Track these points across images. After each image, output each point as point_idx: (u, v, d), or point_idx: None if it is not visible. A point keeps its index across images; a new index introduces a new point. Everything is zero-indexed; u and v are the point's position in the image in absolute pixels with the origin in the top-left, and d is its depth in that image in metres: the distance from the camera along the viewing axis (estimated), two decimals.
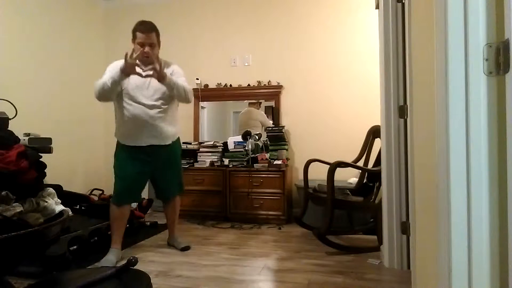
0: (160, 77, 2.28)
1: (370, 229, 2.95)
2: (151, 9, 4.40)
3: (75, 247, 2.44)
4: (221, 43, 4.20)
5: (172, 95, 2.43)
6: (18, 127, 1.87)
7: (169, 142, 2.53)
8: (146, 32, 2.35)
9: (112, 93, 2.35)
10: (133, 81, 2.38)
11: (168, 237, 2.82)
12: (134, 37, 2.39)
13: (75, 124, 4.08)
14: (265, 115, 4.12)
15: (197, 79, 4.14)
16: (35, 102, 3.54)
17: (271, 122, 4.05)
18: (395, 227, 2.22)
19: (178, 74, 2.51)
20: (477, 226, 0.98)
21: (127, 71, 2.24)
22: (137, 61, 2.33)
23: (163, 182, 2.66)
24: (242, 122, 4.19)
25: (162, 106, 2.44)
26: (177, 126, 2.62)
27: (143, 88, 2.40)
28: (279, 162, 3.55)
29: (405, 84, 2.05)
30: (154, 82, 2.37)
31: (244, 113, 4.21)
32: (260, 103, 4.16)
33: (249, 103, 4.18)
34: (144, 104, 2.38)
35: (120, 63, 2.30)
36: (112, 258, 2.35)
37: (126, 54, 2.21)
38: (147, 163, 2.48)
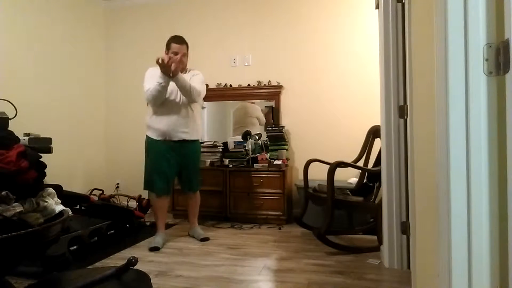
0: (175, 71, 2.65)
1: (370, 229, 2.95)
2: (151, 9, 4.41)
3: (75, 247, 2.44)
4: (221, 43, 4.20)
5: (179, 89, 2.76)
6: (18, 127, 1.87)
7: (195, 138, 2.91)
8: (179, 43, 2.81)
9: (163, 95, 2.74)
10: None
11: (190, 228, 3.11)
12: (168, 48, 2.82)
13: (75, 124, 4.08)
14: (260, 109, 4.11)
15: None
16: (35, 102, 3.54)
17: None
18: (395, 227, 2.22)
19: (195, 76, 2.92)
20: (477, 226, 0.98)
21: (164, 70, 2.61)
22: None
23: (190, 174, 2.99)
24: (237, 119, 4.18)
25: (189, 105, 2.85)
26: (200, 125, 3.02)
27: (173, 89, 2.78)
28: (279, 162, 3.55)
29: (405, 84, 2.05)
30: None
31: (239, 109, 4.19)
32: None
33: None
34: (177, 103, 2.80)
35: (156, 70, 2.67)
36: (159, 240, 2.78)
37: (158, 59, 2.57)
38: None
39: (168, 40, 2.86)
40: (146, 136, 2.89)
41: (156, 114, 2.80)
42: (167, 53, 2.78)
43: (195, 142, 2.93)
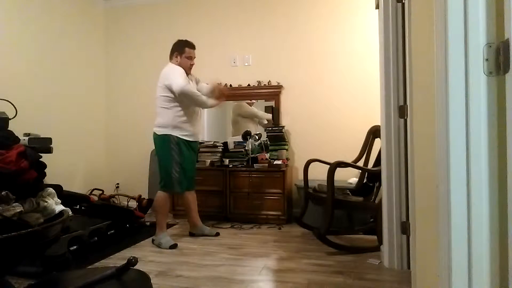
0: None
1: (370, 229, 2.95)
2: (151, 9, 4.40)
3: (75, 247, 2.44)
4: (221, 43, 4.19)
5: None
6: (18, 127, 1.87)
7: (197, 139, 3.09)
8: (193, 48, 2.97)
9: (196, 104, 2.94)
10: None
11: (193, 227, 3.10)
12: (181, 52, 2.92)
13: (75, 124, 4.08)
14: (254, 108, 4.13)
15: None
16: (35, 102, 3.54)
17: (269, 115, 4.05)
18: (395, 227, 2.22)
19: (203, 85, 3.12)
20: (477, 226, 0.98)
21: (216, 96, 3.01)
22: (185, 70, 2.90)
23: (194, 172, 3.09)
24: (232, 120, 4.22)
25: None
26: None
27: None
28: (279, 162, 3.55)
29: (405, 84, 2.05)
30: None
31: (233, 110, 4.22)
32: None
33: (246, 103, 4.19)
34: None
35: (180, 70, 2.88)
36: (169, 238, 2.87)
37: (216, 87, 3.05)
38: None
39: (181, 44, 2.95)
40: (170, 135, 2.81)
41: (186, 116, 2.87)
42: (177, 56, 2.91)
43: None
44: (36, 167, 1.71)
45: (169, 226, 3.41)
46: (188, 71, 2.94)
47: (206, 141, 3.95)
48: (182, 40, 2.99)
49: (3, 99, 1.92)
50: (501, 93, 0.93)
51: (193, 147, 2.97)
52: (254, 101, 4.14)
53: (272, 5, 4.04)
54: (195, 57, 2.99)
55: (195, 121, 2.95)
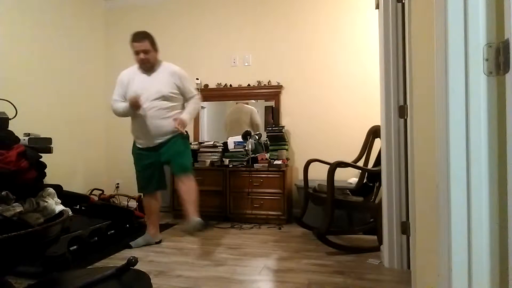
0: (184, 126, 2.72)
1: (370, 229, 2.95)
2: (151, 9, 4.40)
3: (75, 247, 2.44)
4: (221, 43, 4.20)
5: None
6: (18, 127, 1.87)
7: (169, 136, 2.74)
8: (138, 41, 2.66)
9: (126, 116, 2.80)
10: (134, 88, 2.71)
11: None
12: (132, 48, 2.69)
13: (75, 124, 4.08)
14: (256, 111, 4.12)
15: (197, 79, 4.14)
16: (35, 102, 3.54)
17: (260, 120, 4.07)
18: (395, 227, 2.22)
19: (186, 81, 2.81)
20: (477, 226, 0.98)
21: (135, 107, 2.66)
22: (139, 65, 2.73)
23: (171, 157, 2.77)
24: (230, 123, 4.21)
25: (164, 105, 2.71)
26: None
27: (143, 91, 2.69)
28: (279, 162, 3.55)
29: (405, 84, 2.05)
30: (155, 84, 2.70)
31: (232, 113, 4.22)
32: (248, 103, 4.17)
33: (236, 102, 4.20)
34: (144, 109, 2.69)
35: (126, 75, 2.77)
36: (140, 241, 2.78)
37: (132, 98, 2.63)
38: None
39: (130, 39, 2.70)
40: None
41: (134, 125, 2.82)
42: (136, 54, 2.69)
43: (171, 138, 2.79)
44: (36, 167, 1.71)
45: (169, 226, 3.42)
46: (143, 67, 2.70)
47: (206, 141, 3.95)
48: (132, 33, 2.72)
49: (3, 99, 1.92)
50: (501, 93, 0.93)
51: (149, 150, 2.76)
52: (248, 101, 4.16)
53: (272, 5, 4.04)
54: (145, 49, 2.64)
55: (144, 128, 2.69)
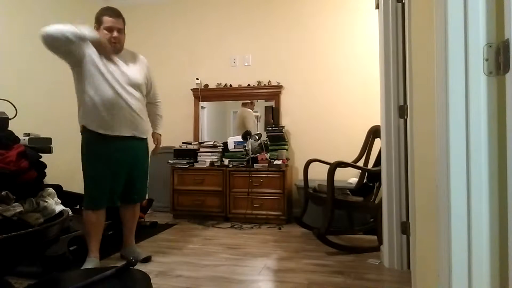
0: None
1: (370, 229, 2.95)
2: (151, 9, 4.40)
3: (75, 247, 2.43)
4: (221, 43, 4.19)
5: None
6: (18, 127, 1.87)
7: (145, 136, 2.41)
8: (114, 16, 2.24)
9: (66, 47, 2.15)
10: (104, 62, 2.22)
11: (123, 248, 2.50)
12: (99, 23, 2.25)
13: (75, 124, 4.07)
14: (255, 117, 4.13)
15: (197, 79, 4.14)
16: (35, 102, 3.54)
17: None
18: (395, 227, 2.22)
19: (153, 76, 2.50)
20: (477, 226, 0.98)
21: (102, 50, 2.16)
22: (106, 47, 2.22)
23: (135, 181, 2.42)
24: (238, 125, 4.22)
25: (141, 98, 2.36)
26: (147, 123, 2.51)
27: (115, 72, 2.25)
28: (279, 162, 3.55)
29: (405, 84, 2.05)
30: (128, 70, 2.29)
31: (239, 117, 4.22)
32: (253, 103, 4.16)
33: (242, 104, 4.17)
34: (117, 90, 2.23)
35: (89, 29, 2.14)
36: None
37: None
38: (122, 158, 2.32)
39: (99, 12, 2.29)
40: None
41: (89, 97, 2.35)
42: (97, 29, 2.24)
43: (143, 140, 2.48)
44: (36, 167, 1.71)
45: (169, 226, 3.41)
46: (111, 50, 2.21)
47: (206, 141, 3.95)
48: (103, 7, 2.31)
49: (3, 99, 1.92)
50: (501, 93, 0.93)
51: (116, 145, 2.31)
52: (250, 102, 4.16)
53: (273, 5, 4.04)
54: (120, 28, 2.25)
55: (117, 109, 2.24)
